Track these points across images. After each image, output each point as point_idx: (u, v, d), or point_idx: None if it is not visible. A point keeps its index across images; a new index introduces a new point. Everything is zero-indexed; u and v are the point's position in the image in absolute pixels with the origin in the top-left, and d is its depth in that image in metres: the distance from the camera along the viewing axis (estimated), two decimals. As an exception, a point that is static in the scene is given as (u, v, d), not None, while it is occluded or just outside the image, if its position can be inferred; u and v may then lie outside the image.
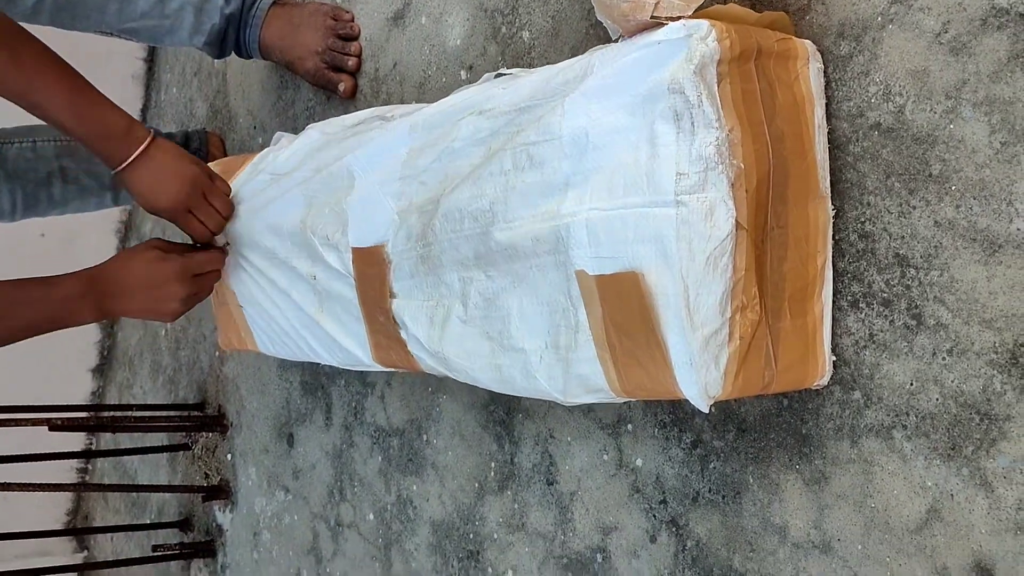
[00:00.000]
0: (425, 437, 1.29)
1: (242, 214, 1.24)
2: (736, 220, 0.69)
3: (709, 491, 0.89)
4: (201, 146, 1.73)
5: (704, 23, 0.67)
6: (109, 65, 2.18)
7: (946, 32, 0.69)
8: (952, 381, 0.69)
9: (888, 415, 0.73)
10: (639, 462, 0.96)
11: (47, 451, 1.85)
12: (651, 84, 0.69)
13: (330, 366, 1.48)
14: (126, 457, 2.39)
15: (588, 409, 1.02)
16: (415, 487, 1.31)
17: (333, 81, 1.41)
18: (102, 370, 2.63)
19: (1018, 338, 0.65)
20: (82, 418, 1.74)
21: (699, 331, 0.70)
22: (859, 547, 0.76)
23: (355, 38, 1.41)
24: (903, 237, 0.72)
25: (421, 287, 0.97)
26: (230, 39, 1.46)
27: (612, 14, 0.74)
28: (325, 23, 1.41)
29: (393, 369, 1.10)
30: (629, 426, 0.97)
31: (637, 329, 0.75)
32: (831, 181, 0.77)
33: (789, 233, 0.74)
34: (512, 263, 0.84)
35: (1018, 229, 0.65)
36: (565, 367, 0.83)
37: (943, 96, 0.69)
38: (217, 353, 1.92)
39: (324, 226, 1.09)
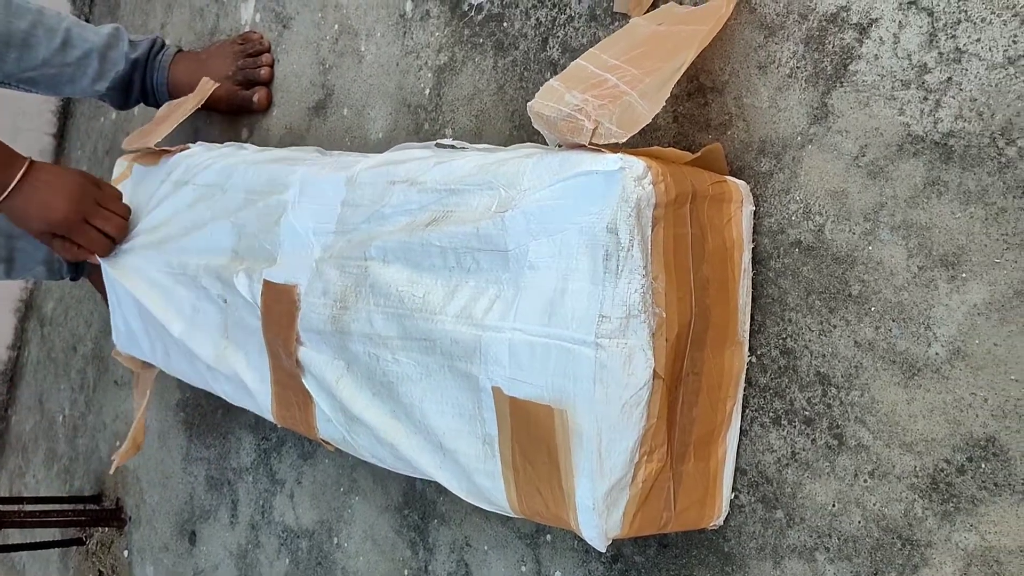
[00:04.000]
0: (336, 540, 1.23)
1: (161, 225, 1.20)
2: (654, 370, 0.68)
3: (629, 608, 0.86)
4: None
5: (640, 163, 0.66)
6: (16, 141, 2.10)
7: (863, 155, 0.70)
8: (874, 504, 0.68)
9: (811, 536, 0.72)
10: (558, 575, 0.93)
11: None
12: (587, 219, 0.68)
13: (237, 460, 1.42)
14: (15, 554, 2.24)
15: (506, 518, 0.98)
16: (324, 593, 1.25)
17: (246, 98, 1.38)
18: (-9, 454, 2.48)
19: (938, 463, 0.65)
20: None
21: (607, 478, 0.69)
22: (782, 673, 0.74)
23: (266, 50, 1.39)
24: (824, 355, 0.72)
25: (329, 344, 0.93)
26: (135, 85, 1.43)
27: (550, 129, 0.73)
28: (232, 49, 1.39)
29: (284, 425, 1.05)
30: (548, 536, 0.94)
31: (541, 460, 0.73)
32: (753, 295, 0.76)
33: (703, 379, 0.74)
34: (426, 355, 0.82)
35: (936, 353, 0.65)
36: (468, 473, 0.81)
37: (861, 218, 0.70)
38: (117, 442, 1.83)
39: (251, 256, 1.05)
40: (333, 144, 1.25)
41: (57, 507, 1.85)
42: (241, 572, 1.42)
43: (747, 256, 0.76)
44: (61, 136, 2.20)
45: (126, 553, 1.77)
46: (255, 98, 1.37)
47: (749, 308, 0.76)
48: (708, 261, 0.72)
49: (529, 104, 0.76)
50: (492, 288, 0.77)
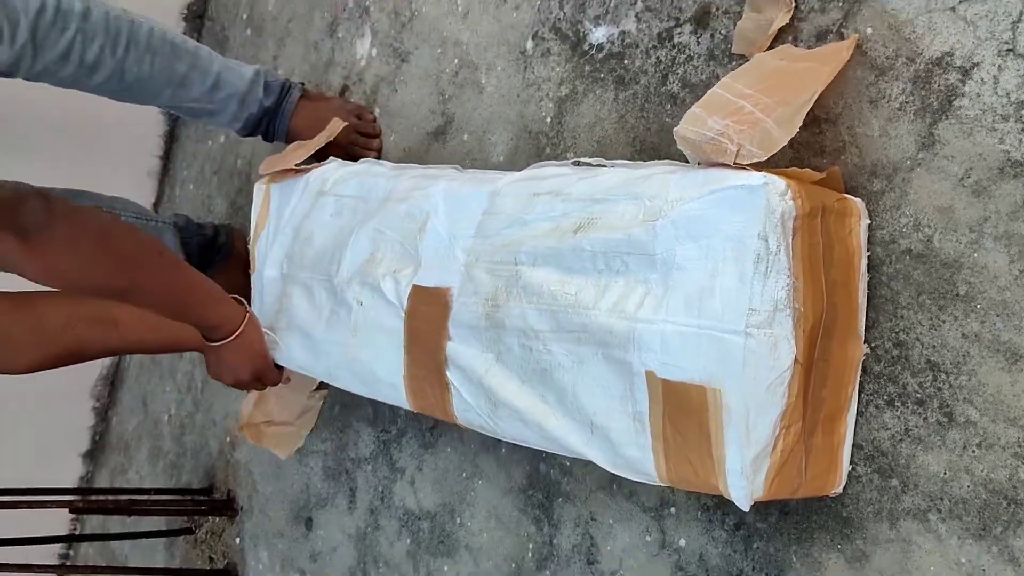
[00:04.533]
0: (459, 520, 1.37)
1: (304, 235, 1.35)
2: (795, 356, 0.81)
3: (753, 569, 0.99)
4: (227, 241, 1.82)
5: (782, 181, 0.80)
6: (124, 160, 2.28)
7: (968, 177, 0.83)
8: (982, 471, 0.81)
9: (924, 500, 0.85)
10: (682, 542, 1.06)
11: (34, 535, 1.88)
12: (737, 227, 0.81)
13: (355, 452, 1.56)
14: (115, 543, 2.40)
15: (631, 493, 1.12)
16: (446, 567, 1.39)
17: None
18: (92, 455, 2.64)
19: (1038, 434, 0.78)
20: (103, 500, 1.78)
21: (753, 447, 0.83)
22: (898, 617, 0.87)
23: (376, 136, 1.54)
24: (934, 346, 0.85)
25: (480, 339, 1.07)
26: (261, 127, 1.59)
27: (695, 151, 0.87)
28: (349, 119, 1.53)
29: (419, 411, 1.19)
30: (672, 509, 1.07)
31: (693, 432, 0.87)
32: (868, 297, 0.90)
33: (831, 365, 0.87)
34: (579, 345, 0.95)
35: (1036, 342, 0.78)
36: (615, 447, 0.94)
37: (967, 229, 0.83)
38: (228, 439, 1.97)
39: (393, 260, 1.19)
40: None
41: (168, 497, 2.00)
42: (360, 552, 1.56)
43: (864, 263, 0.89)
44: (167, 158, 2.36)
45: (238, 540, 1.91)
46: None
47: (865, 307, 0.89)
48: (835, 266, 0.85)
49: (676, 129, 0.89)
50: (641, 287, 0.91)
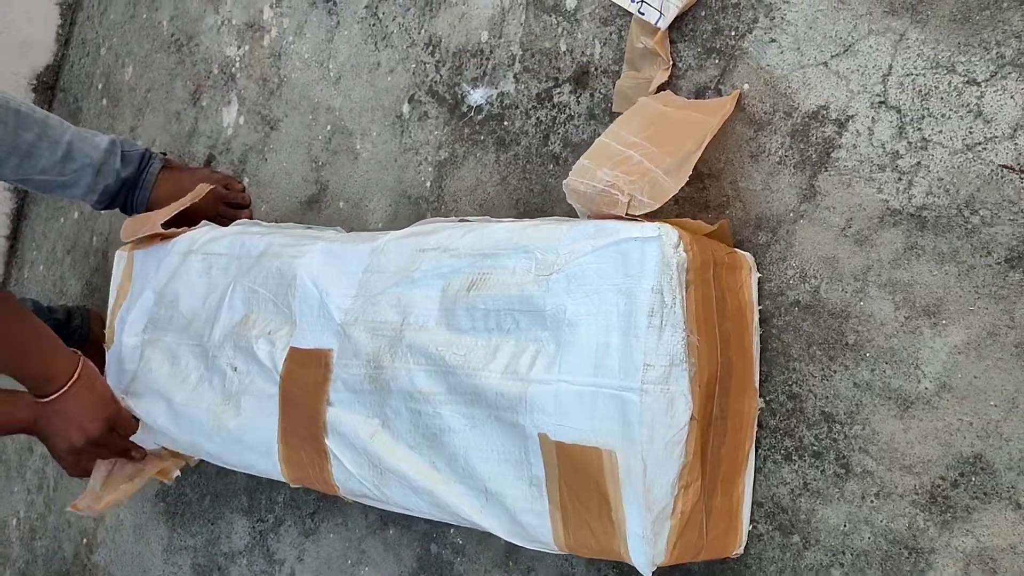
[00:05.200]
0: (344, 612, 1.28)
1: (170, 297, 1.26)
2: (692, 412, 0.79)
3: (657, 640, 0.95)
4: (83, 324, 1.70)
5: (675, 232, 0.79)
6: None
7: (850, 227, 0.84)
8: (881, 521, 0.80)
9: (826, 555, 0.83)
10: (583, 618, 1.01)
11: None
12: (630, 280, 0.79)
13: (228, 545, 1.46)
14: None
15: (528, 569, 1.06)
16: (331, 665, 1.29)
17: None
18: (-73, 565, 2.39)
19: (934, 480, 0.77)
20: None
21: (653, 508, 0.80)
22: None
23: (246, 206, 1.47)
24: (827, 397, 0.84)
25: (364, 404, 1.00)
26: (119, 199, 1.49)
27: (585, 204, 0.85)
28: (215, 191, 1.46)
29: (295, 483, 1.11)
30: (571, 583, 1.03)
31: (591, 496, 0.83)
32: (760, 350, 0.89)
33: (728, 423, 0.85)
34: (471, 408, 0.91)
35: (925, 388, 0.78)
36: (511, 513, 0.90)
37: (852, 279, 0.83)
38: (84, 541, 1.82)
39: (267, 320, 1.12)
40: (330, 234, 1.34)
41: (18, 610, 1.82)
42: (235, 655, 1.44)
43: (756, 316, 0.88)
44: (14, 237, 2.21)
45: (98, 651, 1.74)
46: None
47: (759, 360, 0.88)
48: (729, 319, 0.84)
49: (565, 182, 0.87)
50: (532, 345, 0.87)
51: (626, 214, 0.82)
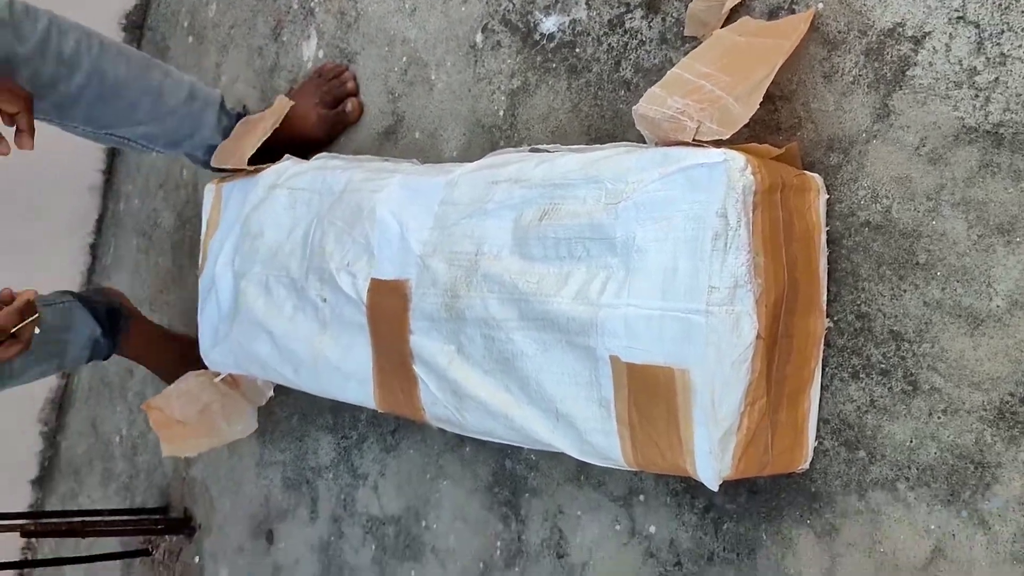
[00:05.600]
0: (424, 523, 1.35)
1: (258, 231, 1.31)
2: (757, 331, 0.81)
3: (723, 550, 0.98)
4: (119, 302, 1.73)
5: (741, 157, 0.80)
6: (67, 176, 2.22)
7: (924, 146, 0.83)
8: (948, 436, 0.81)
9: (891, 469, 0.85)
10: (652, 529, 1.05)
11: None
12: (697, 205, 0.81)
13: (315, 460, 1.53)
14: (69, 567, 2.32)
15: (598, 483, 1.10)
16: (413, 572, 1.36)
17: (339, 113, 1.47)
18: (42, 481, 2.56)
19: (1003, 397, 0.78)
20: (55, 523, 1.72)
21: (720, 425, 0.82)
22: (871, 589, 0.86)
23: (345, 69, 1.49)
24: (896, 316, 0.85)
25: (441, 332, 1.05)
26: None
27: (653, 130, 0.86)
28: (312, 82, 1.49)
29: (387, 410, 1.16)
30: (641, 497, 1.06)
31: (659, 415, 0.86)
32: (828, 271, 0.90)
33: (794, 341, 0.87)
34: (542, 332, 0.94)
35: (997, 306, 0.78)
36: (581, 434, 0.93)
37: (924, 198, 0.83)
38: (182, 456, 1.92)
39: (344, 253, 1.17)
40: (408, 162, 1.38)
41: (122, 518, 1.94)
42: (323, 564, 1.53)
43: (824, 237, 0.89)
44: (110, 172, 2.31)
45: (197, 559, 1.86)
46: (347, 108, 1.46)
47: (826, 281, 0.89)
48: (796, 241, 0.85)
49: (635, 107, 0.89)
50: (602, 272, 0.90)
51: (693, 140, 0.83)
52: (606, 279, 0.89)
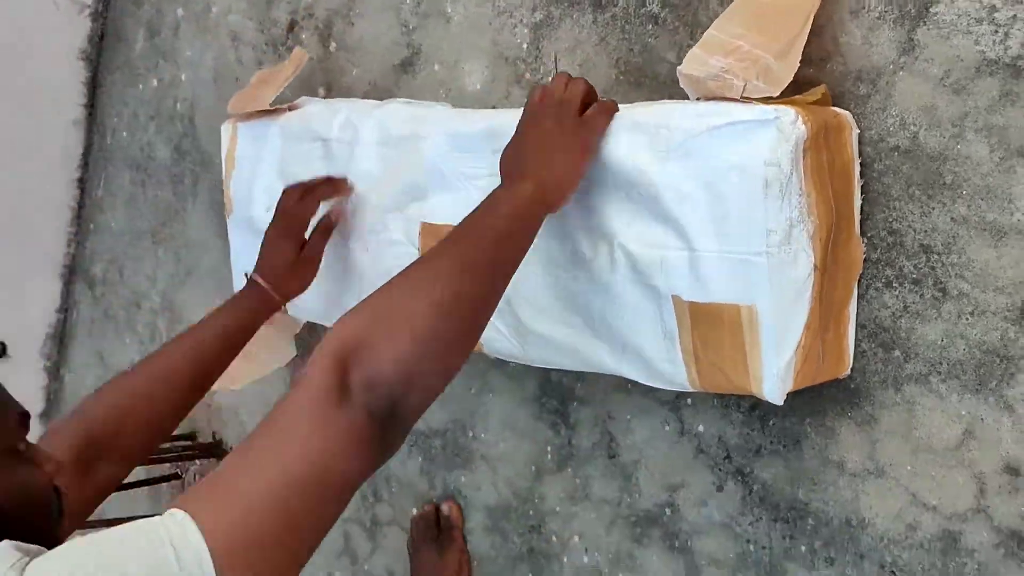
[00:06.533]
0: (471, 434, 1.46)
1: (291, 178, 1.35)
2: (813, 263, 0.91)
3: (771, 443, 1.11)
4: None
5: (791, 110, 0.88)
6: (49, 111, 2.22)
7: (948, 77, 0.92)
8: (975, 335, 0.93)
9: (924, 365, 0.97)
10: (701, 428, 1.17)
11: None
12: (747, 156, 0.89)
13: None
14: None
15: (647, 390, 1.22)
16: (464, 479, 1.48)
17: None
18: (48, 415, 2.62)
19: (1025, 298, 0.90)
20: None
21: (785, 352, 0.93)
22: (908, 468, 1.00)
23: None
24: (926, 231, 0.96)
25: None
26: None
27: (698, 88, 0.94)
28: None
29: None
30: (689, 400, 1.18)
31: (725, 345, 0.96)
32: (862, 194, 1.00)
33: (839, 268, 0.97)
34: (606, 273, 1.03)
35: (1018, 220, 0.89)
36: (648, 363, 1.04)
37: (950, 124, 0.93)
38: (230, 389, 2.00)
39: (395, 196, 1.23)
40: (428, 98, 1.43)
41: (154, 449, 2.03)
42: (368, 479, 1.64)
43: (857, 169, 0.98)
44: (92, 105, 2.29)
45: (234, 479, 1.96)
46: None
47: (860, 207, 0.99)
48: (837, 177, 0.95)
49: (679, 68, 0.96)
50: (660, 217, 0.98)
51: (742, 96, 0.91)
52: (664, 223, 0.98)
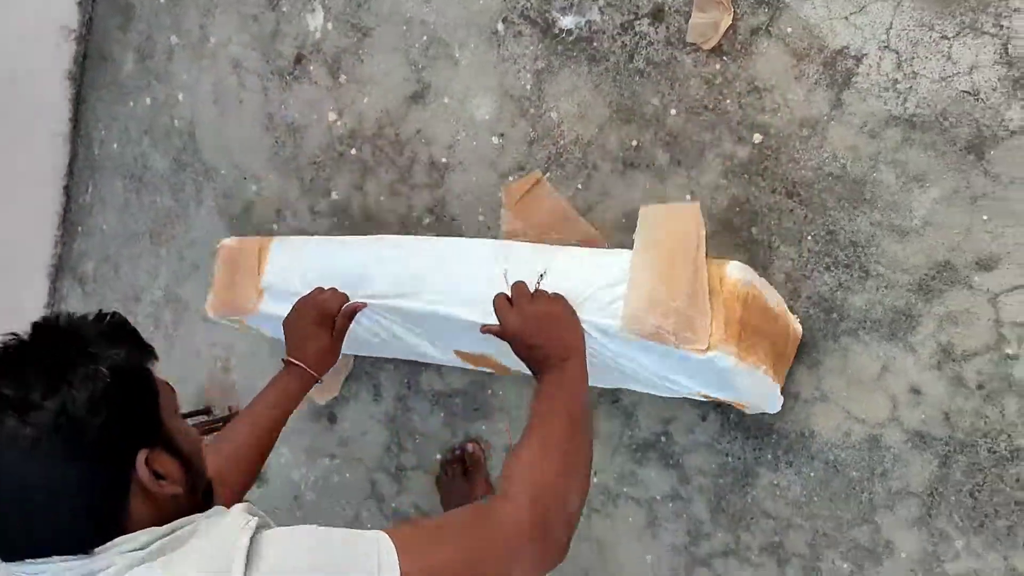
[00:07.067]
0: (490, 390, 1.82)
1: None
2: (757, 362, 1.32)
3: (743, 383, 1.53)
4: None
5: (729, 347, 1.25)
6: (32, 125, 2.37)
7: (865, 126, 1.34)
8: (889, 301, 1.37)
9: (854, 323, 1.40)
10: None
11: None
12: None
13: (372, 358, 1.94)
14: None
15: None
16: (485, 427, 1.84)
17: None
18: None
19: (921, 276, 1.34)
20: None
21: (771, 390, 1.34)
22: (844, 394, 1.43)
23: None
24: (853, 231, 1.38)
25: None
26: None
27: (644, 336, 1.33)
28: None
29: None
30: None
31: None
32: (807, 203, 1.41)
33: (765, 329, 1.39)
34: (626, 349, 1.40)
35: (916, 224, 1.33)
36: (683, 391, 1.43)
37: (868, 159, 1.35)
38: (218, 364, 2.27)
39: (417, 336, 1.60)
40: (440, 127, 1.75)
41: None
42: (392, 432, 1.98)
43: (748, 292, 1.40)
44: (76, 119, 2.46)
45: (255, 446, 2.25)
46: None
47: (788, 311, 1.41)
48: (753, 317, 1.36)
49: (623, 330, 1.34)
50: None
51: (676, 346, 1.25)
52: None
